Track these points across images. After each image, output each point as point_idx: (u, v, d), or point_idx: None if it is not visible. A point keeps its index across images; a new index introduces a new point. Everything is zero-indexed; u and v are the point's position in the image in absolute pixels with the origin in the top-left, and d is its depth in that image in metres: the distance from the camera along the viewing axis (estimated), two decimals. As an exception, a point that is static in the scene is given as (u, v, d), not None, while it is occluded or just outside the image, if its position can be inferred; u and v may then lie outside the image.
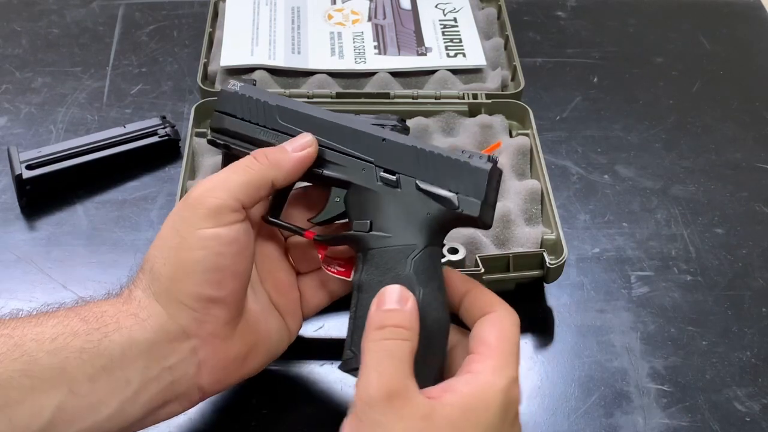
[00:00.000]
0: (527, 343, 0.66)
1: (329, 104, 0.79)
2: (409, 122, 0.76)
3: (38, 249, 0.71)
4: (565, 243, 0.66)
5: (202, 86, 0.79)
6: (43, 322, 0.47)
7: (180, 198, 0.68)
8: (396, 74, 0.83)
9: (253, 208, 0.52)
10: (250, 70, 0.82)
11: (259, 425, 0.59)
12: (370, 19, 0.91)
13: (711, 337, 0.66)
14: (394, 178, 0.53)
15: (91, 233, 0.72)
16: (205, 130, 0.76)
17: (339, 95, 0.80)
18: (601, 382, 0.63)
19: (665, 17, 1.02)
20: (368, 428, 0.43)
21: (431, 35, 0.88)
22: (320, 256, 0.56)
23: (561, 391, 0.62)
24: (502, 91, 0.83)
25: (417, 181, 0.52)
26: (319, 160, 0.54)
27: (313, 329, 0.65)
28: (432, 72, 0.84)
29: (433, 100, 0.80)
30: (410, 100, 0.80)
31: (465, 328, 0.52)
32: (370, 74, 0.83)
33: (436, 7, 0.93)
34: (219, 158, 0.70)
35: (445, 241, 0.56)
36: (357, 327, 0.49)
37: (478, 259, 0.64)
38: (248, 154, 0.55)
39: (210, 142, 0.57)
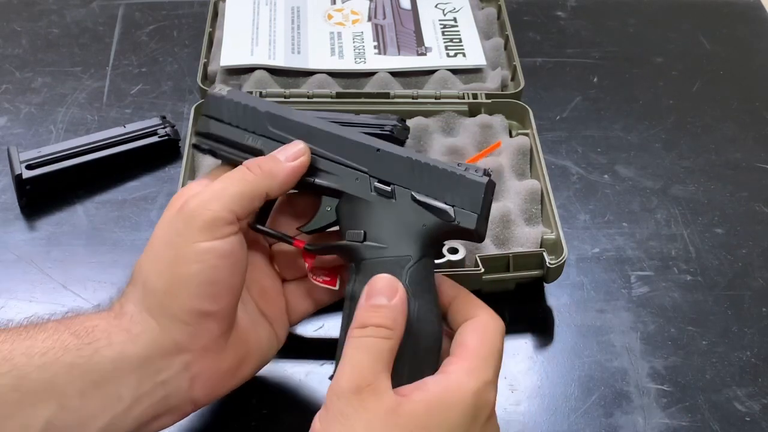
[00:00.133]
0: (527, 343, 0.66)
1: (329, 104, 0.79)
2: (409, 122, 0.76)
3: (38, 249, 0.71)
4: (565, 243, 0.66)
5: (202, 86, 0.79)
6: (34, 335, 0.46)
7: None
8: (396, 74, 0.83)
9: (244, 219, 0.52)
10: (250, 70, 0.82)
11: (259, 425, 0.59)
12: (370, 19, 0.91)
13: (711, 337, 0.66)
14: (389, 188, 0.53)
15: (91, 233, 0.72)
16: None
17: (339, 95, 0.80)
18: (601, 382, 0.63)
19: (665, 17, 1.02)
20: (334, 419, 0.44)
21: (431, 35, 0.88)
22: (307, 265, 0.55)
23: (561, 391, 0.62)
24: (502, 91, 0.83)
25: (412, 193, 0.52)
26: (311, 169, 0.54)
27: (313, 329, 0.65)
28: (432, 72, 0.84)
29: (433, 100, 0.80)
30: (410, 100, 0.80)
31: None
32: (370, 74, 0.83)
33: (436, 7, 0.93)
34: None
35: (444, 241, 0.56)
36: None
37: (478, 259, 0.64)
38: (235, 159, 0.54)
39: (195, 146, 0.56)
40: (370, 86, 0.82)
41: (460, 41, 0.88)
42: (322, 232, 0.54)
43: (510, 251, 0.66)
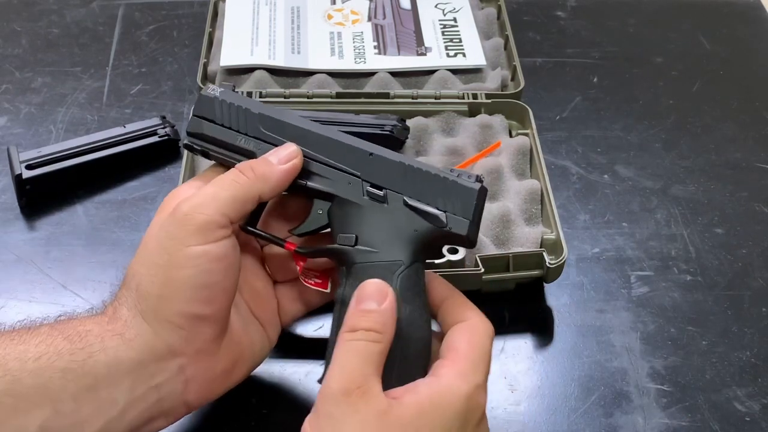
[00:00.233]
0: (527, 343, 0.66)
1: (329, 104, 0.79)
2: (409, 122, 0.76)
3: (38, 249, 0.71)
4: (564, 243, 0.66)
5: (202, 86, 0.79)
6: (27, 340, 0.46)
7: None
8: (396, 74, 0.83)
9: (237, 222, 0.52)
10: (250, 70, 0.82)
11: (259, 425, 0.59)
12: (369, 19, 0.91)
13: (711, 337, 0.66)
14: (381, 193, 0.53)
15: (91, 233, 0.72)
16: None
17: (339, 95, 0.80)
18: (600, 382, 0.63)
19: (665, 17, 1.02)
20: (324, 421, 0.44)
21: (431, 35, 0.88)
22: (298, 267, 0.55)
23: (561, 391, 0.62)
24: (502, 91, 0.83)
25: (405, 198, 0.52)
26: (304, 172, 0.53)
27: (313, 329, 0.65)
28: (432, 72, 0.84)
29: (432, 100, 0.80)
30: (410, 100, 0.80)
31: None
32: (370, 74, 0.83)
33: (435, 7, 0.93)
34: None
35: (435, 247, 0.56)
36: None
37: (477, 258, 0.64)
38: (227, 160, 0.54)
39: (186, 147, 0.56)
40: (370, 86, 0.82)
41: (460, 41, 0.88)
42: (313, 235, 0.54)
43: (510, 251, 0.66)
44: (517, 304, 0.68)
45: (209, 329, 0.49)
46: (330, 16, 0.91)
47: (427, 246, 0.53)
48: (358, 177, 0.53)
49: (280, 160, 0.52)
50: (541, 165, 0.72)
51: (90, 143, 0.76)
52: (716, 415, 0.61)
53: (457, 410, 0.45)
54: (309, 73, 0.83)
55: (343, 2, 0.93)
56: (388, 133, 0.73)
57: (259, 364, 0.56)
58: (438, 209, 0.52)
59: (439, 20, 0.91)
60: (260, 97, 0.79)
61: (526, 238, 0.68)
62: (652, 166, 0.82)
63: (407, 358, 0.48)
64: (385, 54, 0.86)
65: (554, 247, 0.67)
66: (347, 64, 0.84)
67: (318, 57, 0.85)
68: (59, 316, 0.50)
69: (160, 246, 0.49)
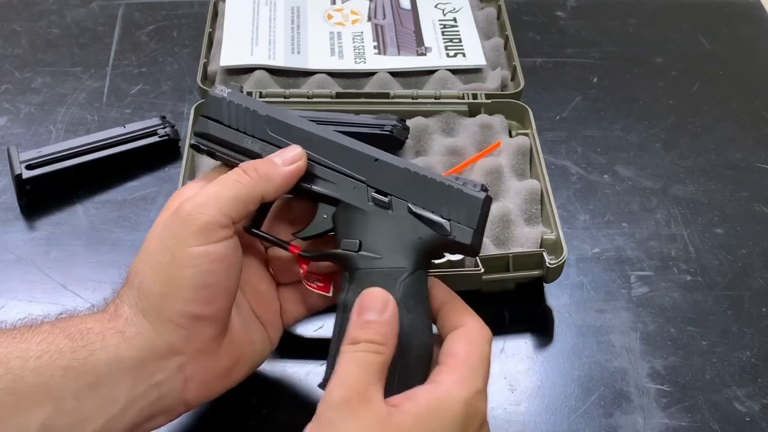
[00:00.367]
0: (527, 343, 0.66)
1: (329, 104, 0.79)
2: (409, 122, 0.76)
3: (38, 249, 0.71)
4: (564, 243, 0.66)
5: (202, 86, 0.79)
6: (28, 338, 0.46)
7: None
8: (396, 74, 0.83)
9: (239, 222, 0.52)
10: (250, 70, 0.82)
11: (259, 425, 0.59)
12: (369, 19, 0.91)
13: (711, 337, 0.66)
14: (386, 199, 0.53)
15: (91, 233, 0.72)
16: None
17: (339, 95, 0.80)
18: (600, 382, 0.63)
19: (665, 17, 1.02)
20: (324, 428, 0.44)
21: (431, 35, 0.88)
22: (302, 270, 0.55)
23: (561, 391, 0.62)
24: (502, 91, 0.83)
25: (409, 205, 0.52)
26: (309, 176, 0.53)
27: (313, 329, 0.65)
28: (432, 72, 0.84)
29: (432, 100, 0.80)
30: (410, 100, 0.80)
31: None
32: (369, 74, 0.83)
33: (435, 7, 0.93)
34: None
35: (438, 254, 0.56)
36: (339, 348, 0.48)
37: (477, 259, 0.64)
38: (233, 161, 0.54)
39: (193, 146, 0.56)
40: (370, 86, 0.82)
41: (460, 41, 0.88)
42: (317, 239, 0.54)
43: (510, 251, 0.66)
44: (517, 304, 0.68)
45: (209, 329, 0.49)
46: (330, 16, 0.91)
47: (431, 253, 0.53)
48: (364, 182, 0.53)
49: (285, 162, 0.52)
50: (541, 165, 0.72)
51: (90, 143, 0.76)
52: (716, 415, 0.61)
53: (457, 416, 0.45)
54: (309, 73, 0.83)
55: (343, 2, 0.93)
56: (388, 133, 0.73)
57: (259, 365, 0.56)
58: (442, 217, 0.52)
59: (439, 20, 0.91)
60: (260, 97, 0.79)
61: (526, 238, 0.68)
62: (652, 166, 0.82)
63: (409, 364, 0.48)
64: (385, 54, 0.86)
65: (554, 247, 0.67)
66: (347, 64, 0.84)
67: (318, 57, 0.85)
68: (60, 314, 0.50)
69: (163, 245, 0.49)
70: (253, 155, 0.54)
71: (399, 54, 0.86)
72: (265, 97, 0.79)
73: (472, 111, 0.80)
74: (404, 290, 0.50)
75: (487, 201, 0.53)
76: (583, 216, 0.76)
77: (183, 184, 0.69)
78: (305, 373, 0.62)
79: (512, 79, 0.85)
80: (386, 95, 0.80)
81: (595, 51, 0.96)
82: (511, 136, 0.79)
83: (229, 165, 0.55)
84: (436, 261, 0.63)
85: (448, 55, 0.86)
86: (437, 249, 0.53)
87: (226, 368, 0.52)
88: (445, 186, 0.53)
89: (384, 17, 0.91)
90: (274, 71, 0.83)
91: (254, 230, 0.54)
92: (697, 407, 0.62)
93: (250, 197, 0.51)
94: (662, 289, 0.70)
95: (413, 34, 0.89)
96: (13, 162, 0.73)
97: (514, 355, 0.64)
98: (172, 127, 0.80)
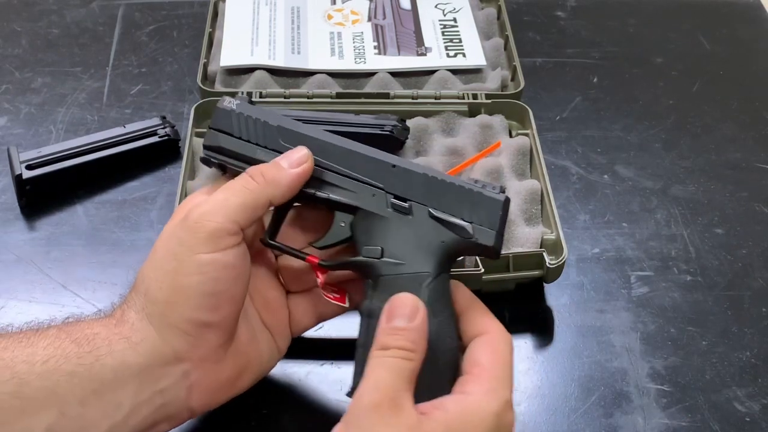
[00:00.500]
0: (527, 343, 0.66)
1: (329, 104, 0.79)
2: (409, 122, 0.76)
3: (38, 249, 0.71)
4: (564, 243, 0.66)
5: (202, 86, 0.79)
6: (35, 342, 0.46)
7: (179, 200, 0.67)
8: (396, 74, 0.83)
9: (248, 229, 0.52)
10: (250, 70, 0.82)
11: (259, 425, 0.59)
12: (369, 19, 0.91)
13: (711, 337, 0.66)
14: (406, 205, 0.53)
15: (91, 233, 0.72)
16: (205, 130, 0.76)
17: (339, 95, 0.80)
18: (600, 382, 0.63)
19: (665, 17, 1.02)
20: None
21: (431, 35, 0.88)
22: (320, 280, 0.55)
23: (561, 391, 0.62)
24: (502, 91, 0.83)
25: (430, 209, 0.52)
26: (326, 184, 0.53)
27: (313, 329, 0.64)
28: (432, 72, 0.84)
29: (432, 100, 0.80)
30: (410, 100, 0.80)
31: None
32: (370, 74, 0.83)
33: (436, 7, 0.93)
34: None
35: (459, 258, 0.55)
36: (368, 355, 0.48)
37: (477, 259, 0.64)
38: None
39: (203, 160, 0.56)
40: (370, 86, 0.82)
41: (460, 41, 0.88)
42: (333, 248, 0.54)
43: (510, 251, 0.66)
44: (517, 304, 0.68)
45: (215, 336, 0.49)
46: (330, 17, 0.91)
47: (453, 257, 0.53)
48: (382, 189, 0.53)
49: (291, 164, 0.52)
50: (541, 165, 0.72)
51: (90, 143, 0.76)
52: (716, 416, 0.61)
53: (487, 428, 0.45)
54: (309, 73, 0.83)
55: (343, 2, 0.93)
56: (388, 133, 0.73)
57: (266, 374, 0.56)
58: (464, 220, 0.52)
59: (439, 20, 0.91)
60: (260, 97, 0.79)
61: (526, 239, 0.68)
62: (652, 166, 0.82)
63: (436, 369, 0.48)
64: (385, 54, 0.86)
65: (554, 248, 0.67)
66: (347, 64, 0.84)
67: (318, 57, 0.85)
68: (67, 318, 0.50)
69: (170, 252, 0.49)
70: None
71: (399, 54, 0.86)
72: (265, 97, 0.79)
73: (472, 111, 0.80)
74: (429, 295, 0.50)
75: (507, 202, 0.53)
76: (583, 216, 0.76)
77: (183, 185, 0.69)
78: (305, 373, 0.62)
79: (512, 79, 0.85)
80: (386, 95, 0.80)
81: (595, 51, 0.96)
82: (511, 136, 0.78)
83: None
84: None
85: (448, 56, 0.86)
86: (459, 252, 0.53)
87: (232, 376, 0.52)
88: (465, 189, 0.53)
89: (384, 17, 0.91)
90: (274, 71, 0.83)
91: (270, 241, 0.54)
92: (697, 407, 0.62)
93: (257, 203, 0.50)
94: (662, 289, 0.70)
95: (413, 34, 0.89)
96: (13, 162, 0.73)
97: (515, 355, 0.64)
98: (172, 127, 0.80)
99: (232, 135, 0.55)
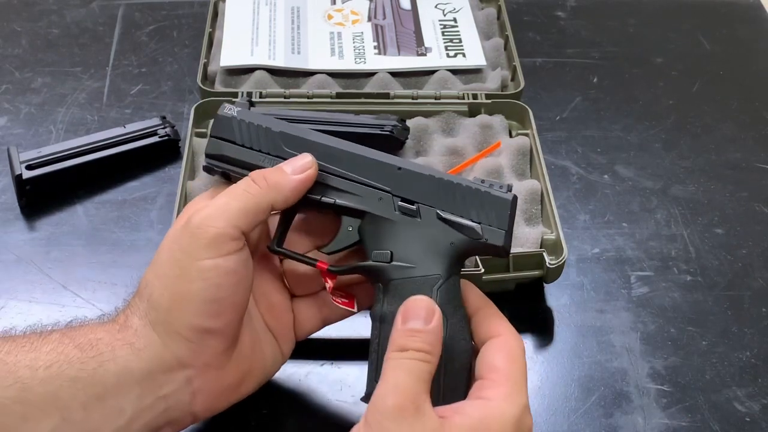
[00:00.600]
0: (527, 343, 0.66)
1: (329, 104, 0.79)
2: (409, 122, 0.76)
3: (38, 249, 0.71)
4: (564, 243, 0.66)
5: (202, 86, 0.79)
6: (38, 347, 0.46)
7: (179, 200, 0.67)
8: (396, 74, 0.83)
9: (252, 233, 0.52)
10: (250, 70, 0.82)
11: (259, 425, 0.59)
12: (369, 19, 0.91)
13: (711, 337, 0.66)
14: (413, 207, 0.52)
15: (91, 233, 0.72)
16: (205, 130, 0.76)
17: (339, 95, 0.80)
18: (600, 382, 0.63)
19: (665, 17, 1.02)
20: None
21: (431, 35, 0.88)
22: (329, 286, 0.54)
23: (561, 391, 0.62)
24: (502, 91, 0.83)
25: (438, 211, 0.52)
26: (332, 189, 0.53)
27: (313, 329, 0.65)
28: (432, 72, 0.84)
29: (432, 100, 0.80)
30: (410, 100, 0.80)
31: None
32: (370, 74, 0.83)
33: (435, 7, 0.93)
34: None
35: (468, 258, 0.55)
36: (382, 360, 0.48)
37: (477, 259, 0.64)
38: None
39: (206, 169, 0.55)
40: (370, 86, 0.82)
41: (460, 41, 0.88)
42: (341, 252, 0.54)
43: (510, 251, 0.66)
44: (517, 304, 0.67)
45: (218, 343, 0.49)
46: (330, 17, 0.91)
47: (463, 258, 0.53)
48: (389, 192, 0.53)
49: (295, 170, 0.52)
50: (541, 165, 0.72)
51: (90, 143, 0.76)
52: (716, 416, 0.61)
53: None
54: (309, 74, 0.83)
55: (343, 2, 0.93)
56: (388, 133, 0.73)
57: (270, 378, 0.56)
58: (473, 221, 0.52)
59: (439, 20, 0.91)
60: (260, 97, 0.79)
61: (526, 239, 0.68)
62: (652, 166, 0.82)
63: (450, 372, 0.48)
64: (385, 54, 0.86)
65: (554, 248, 0.67)
66: (347, 64, 0.84)
67: (318, 57, 0.85)
68: (70, 322, 0.50)
69: (172, 258, 0.49)
70: None
71: (399, 54, 0.86)
72: (265, 97, 0.79)
73: (472, 111, 0.80)
74: (441, 297, 0.49)
75: (515, 201, 0.53)
76: (583, 216, 0.76)
77: (183, 185, 0.69)
78: (305, 373, 0.62)
79: (512, 80, 0.85)
80: (386, 95, 0.80)
81: (595, 51, 0.96)
82: (511, 136, 0.78)
83: None
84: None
85: (448, 56, 0.86)
86: (469, 253, 0.53)
87: (235, 381, 0.52)
88: (472, 189, 0.53)
89: (384, 17, 0.91)
90: (274, 71, 0.83)
91: (277, 248, 0.54)
92: (697, 407, 0.62)
93: (259, 207, 0.50)
94: (662, 290, 0.70)
95: (413, 34, 0.89)
96: (13, 162, 0.73)
97: (514, 356, 0.64)
98: (172, 127, 0.80)
99: (234, 143, 0.54)
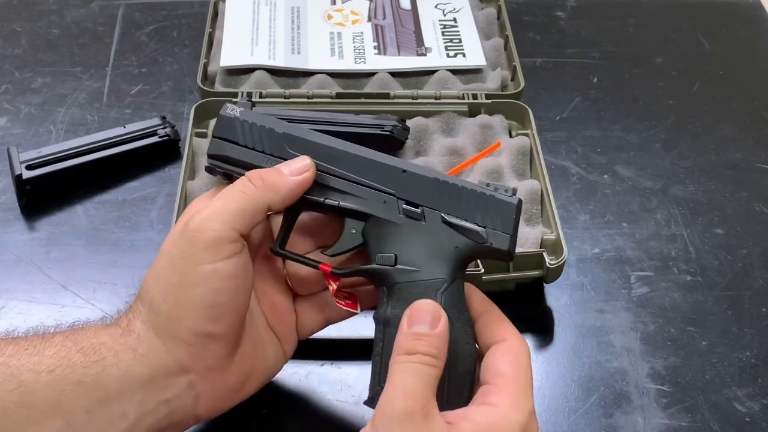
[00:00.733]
0: (527, 343, 0.65)
1: (329, 104, 0.79)
2: (409, 122, 0.76)
3: (38, 249, 0.71)
4: (564, 243, 0.66)
5: (202, 86, 0.79)
6: (41, 351, 0.46)
7: (179, 200, 0.67)
8: (396, 74, 0.83)
9: (254, 233, 0.52)
10: (250, 70, 0.82)
11: (259, 425, 0.59)
12: (369, 19, 0.91)
13: (711, 337, 0.66)
14: (418, 210, 0.52)
15: (91, 233, 0.72)
16: (205, 130, 0.76)
17: (339, 95, 0.80)
18: (600, 382, 0.63)
19: (665, 17, 1.02)
20: None
21: (431, 35, 0.88)
22: (332, 288, 0.54)
23: (561, 391, 0.62)
24: (502, 91, 0.83)
25: (442, 214, 0.52)
26: (336, 191, 0.53)
27: (313, 329, 0.65)
28: (432, 72, 0.84)
29: (432, 100, 0.80)
30: (410, 101, 0.80)
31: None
32: (370, 74, 0.83)
33: (435, 7, 0.93)
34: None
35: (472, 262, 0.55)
36: (386, 364, 0.48)
37: (478, 259, 0.64)
38: None
39: (208, 170, 0.55)
40: (370, 86, 0.82)
41: (460, 41, 0.88)
42: (344, 254, 0.54)
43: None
44: (517, 304, 0.67)
45: (219, 347, 0.49)
46: (330, 17, 0.91)
47: (467, 262, 0.52)
48: (393, 195, 0.53)
49: (292, 172, 0.52)
50: (541, 165, 0.72)
51: (90, 143, 0.76)
52: (716, 416, 0.61)
53: None
54: (309, 74, 0.83)
55: (343, 2, 0.93)
56: (388, 133, 0.73)
57: (272, 377, 0.56)
58: (477, 225, 0.52)
59: (439, 20, 0.91)
60: (260, 97, 0.79)
61: (526, 239, 0.68)
62: (652, 166, 0.82)
63: (455, 376, 0.48)
64: (385, 54, 0.86)
65: (554, 248, 0.67)
66: (347, 64, 0.84)
67: (318, 57, 0.85)
68: (73, 323, 0.50)
69: (172, 263, 0.49)
70: None
71: (399, 54, 0.86)
72: (265, 97, 0.79)
73: (472, 111, 0.80)
74: (446, 301, 0.49)
75: (520, 205, 0.53)
76: (583, 216, 0.76)
77: (183, 185, 0.69)
78: (305, 373, 0.62)
79: (512, 80, 0.85)
80: (386, 95, 0.80)
81: (595, 51, 0.96)
82: (511, 136, 0.78)
83: None
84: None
85: (448, 56, 0.86)
86: (473, 257, 0.52)
87: (238, 383, 0.52)
88: (477, 193, 0.52)
89: (384, 17, 0.91)
90: (274, 71, 0.83)
91: (281, 251, 0.53)
92: (697, 407, 0.62)
93: (256, 208, 0.50)
94: (662, 290, 0.70)
95: (413, 34, 0.89)
96: (13, 162, 0.73)
97: (514, 356, 0.64)
98: (172, 127, 0.80)
99: (237, 143, 0.54)
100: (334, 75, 0.83)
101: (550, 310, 0.68)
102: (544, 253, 0.65)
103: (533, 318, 0.68)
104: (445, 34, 0.89)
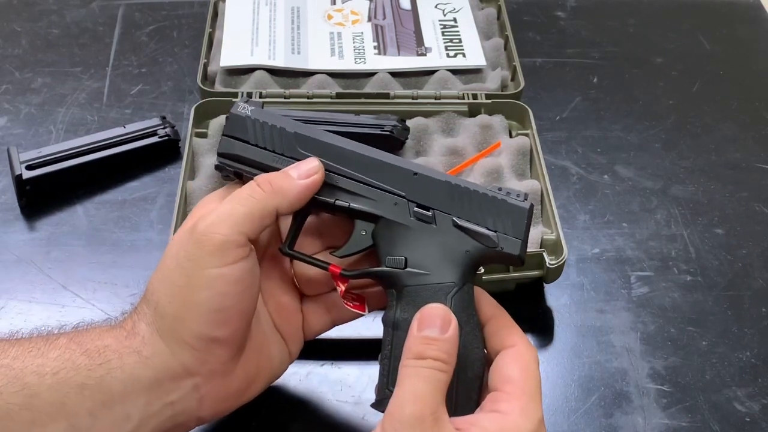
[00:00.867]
0: (527, 344, 0.66)
1: (329, 104, 0.79)
2: (409, 122, 0.76)
3: (38, 249, 0.71)
4: (564, 243, 0.66)
5: (202, 86, 0.79)
6: (45, 353, 0.46)
7: (179, 200, 0.67)
8: (396, 74, 0.83)
9: (262, 233, 0.51)
10: (250, 70, 0.82)
11: (259, 425, 0.59)
12: (369, 19, 0.91)
13: (711, 337, 0.66)
14: (429, 213, 0.52)
15: (91, 233, 0.72)
16: (205, 130, 0.76)
17: (339, 95, 0.80)
18: (600, 382, 0.63)
19: (665, 17, 1.02)
20: None
21: (431, 35, 0.88)
22: (341, 290, 0.54)
23: (561, 391, 0.62)
24: (502, 91, 0.83)
25: (454, 218, 0.52)
26: (346, 192, 0.52)
27: (313, 329, 0.65)
28: (432, 72, 0.84)
29: (432, 101, 0.80)
30: (410, 101, 0.80)
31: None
32: (370, 74, 0.83)
33: (435, 7, 0.93)
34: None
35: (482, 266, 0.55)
36: (394, 367, 0.48)
37: (478, 259, 0.64)
38: None
39: (218, 168, 0.54)
40: (370, 86, 0.82)
41: (460, 41, 0.88)
42: (353, 256, 0.54)
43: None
44: (517, 304, 0.67)
45: (224, 351, 0.49)
46: (330, 17, 0.91)
47: (477, 266, 0.52)
48: (404, 197, 0.52)
49: (300, 175, 0.51)
50: (541, 165, 0.72)
51: (90, 143, 0.76)
52: (716, 416, 0.61)
53: None
54: (309, 74, 0.83)
55: (343, 2, 0.93)
56: (388, 133, 0.73)
57: (277, 378, 0.56)
58: (488, 229, 0.52)
59: (439, 20, 0.91)
60: (260, 97, 0.79)
61: (526, 239, 0.68)
62: (652, 166, 0.82)
63: (464, 381, 0.48)
64: (385, 54, 0.86)
65: (554, 248, 0.67)
66: (347, 64, 0.84)
67: (318, 57, 0.85)
68: (77, 325, 0.50)
69: (179, 266, 0.48)
70: None
71: (399, 54, 0.86)
72: (265, 97, 0.79)
73: (472, 111, 0.80)
74: (455, 305, 0.49)
75: (531, 210, 0.53)
76: (583, 216, 0.76)
77: (183, 185, 0.69)
78: (305, 373, 0.62)
79: (512, 80, 0.85)
80: (386, 95, 0.80)
81: (595, 51, 0.96)
82: (511, 136, 0.78)
83: None
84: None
85: (448, 56, 0.86)
86: (484, 261, 0.52)
87: (243, 385, 0.52)
88: (489, 197, 0.52)
89: (384, 17, 0.91)
90: (274, 71, 0.83)
91: (289, 251, 0.53)
92: (697, 407, 0.62)
93: (264, 212, 0.50)
94: (662, 290, 0.70)
95: (413, 34, 0.89)
96: (13, 162, 0.73)
97: (514, 356, 0.64)
98: (172, 127, 0.80)
99: (248, 142, 0.54)
100: (334, 75, 0.83)
101: (550, 310, 0.68)
102: (544, 253, 0.65)
103: (533, 318, 0.68)
104: (445, 34, 0.89)
